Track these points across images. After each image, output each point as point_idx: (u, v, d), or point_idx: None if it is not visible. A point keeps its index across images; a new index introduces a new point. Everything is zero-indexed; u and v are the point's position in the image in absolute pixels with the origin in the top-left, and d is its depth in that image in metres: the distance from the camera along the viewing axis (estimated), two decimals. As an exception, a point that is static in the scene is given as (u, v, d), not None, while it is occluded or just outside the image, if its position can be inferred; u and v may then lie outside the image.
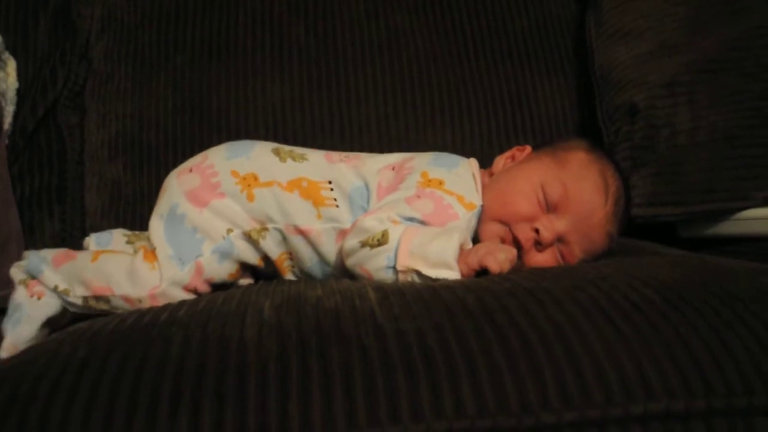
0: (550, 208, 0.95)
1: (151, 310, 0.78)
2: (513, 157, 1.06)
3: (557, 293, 0.70)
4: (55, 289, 0.95)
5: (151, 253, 0.95)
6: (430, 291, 0.75)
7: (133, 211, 1.28)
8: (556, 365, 0.62)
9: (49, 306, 0.95)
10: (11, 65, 1.28)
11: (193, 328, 0.69)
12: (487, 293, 0.71)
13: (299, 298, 0.75)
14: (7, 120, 1.26)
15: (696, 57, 1.14)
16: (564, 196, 0.95)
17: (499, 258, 0.83)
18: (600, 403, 0.60)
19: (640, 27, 1.24)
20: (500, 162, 1.06)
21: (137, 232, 1.09)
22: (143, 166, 1.29)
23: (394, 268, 0.85)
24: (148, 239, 0.97)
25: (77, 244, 1.27)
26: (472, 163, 1.04)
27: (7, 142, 1.25)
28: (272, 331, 0.66)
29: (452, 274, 0.83)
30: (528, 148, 1.06)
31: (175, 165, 1.06)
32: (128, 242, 1.07)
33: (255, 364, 0.62)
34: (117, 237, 1.07)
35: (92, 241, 1.06)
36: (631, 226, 1.13)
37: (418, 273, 0.84)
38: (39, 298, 0.95)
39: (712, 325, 0.66)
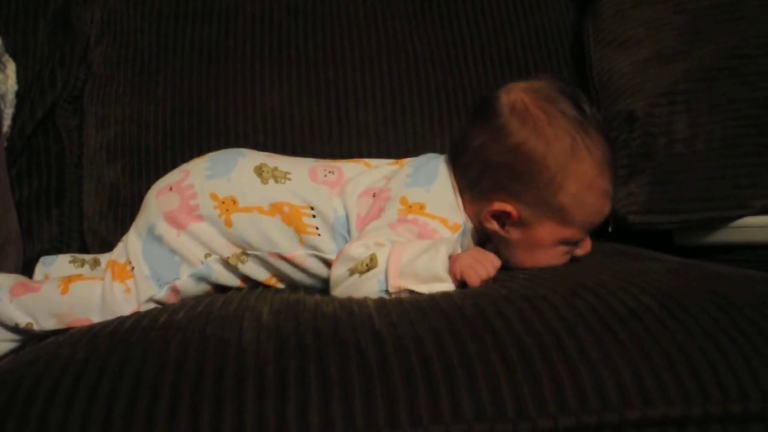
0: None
1: (149, 312, 0.78)
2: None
3: (555, 299, 0.71)
4: (16, 327, 0.93)
5: (121, 268, 0.95)
6: (428, 298, 0.75)
7: (131, 214, 1.27)
8: (552, 371, 0.62)
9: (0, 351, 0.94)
10: (11, 68, 1.28)
11: (192, 331, 0.69)
12: (484, 300, 0.72)
13: (298, 303, 0.75)
14: (6, 122, 1.26)
15: (694, 65, 1.14)
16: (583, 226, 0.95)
17: (479, 273, 0.82)
18: (596, 408, 0.60)
19: (639, 35, 1.24)
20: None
21: (83, 255, 1.10)
22: (141, 170, 1.29)
23: (386, 291, 0.83)
24: (115, 253, 0.98)
25: (75, 247, 1.28)
26: (448, 161, 0.98)
27: (5, 144, 1.25)
28: (271, 336, 0.66)
29: (445, 286, 0.82)
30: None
31: (173, 168, 1.06)
32: (71, 261, 1.07)
33: (253, 367, 0.62)
34: (61, 260, 1.07)
35: (40, 264, 1.07)
36: (629, 233, 1.13)
37: (411, 291, 0.83)
38: None
39: (709, 332, 0.66)
